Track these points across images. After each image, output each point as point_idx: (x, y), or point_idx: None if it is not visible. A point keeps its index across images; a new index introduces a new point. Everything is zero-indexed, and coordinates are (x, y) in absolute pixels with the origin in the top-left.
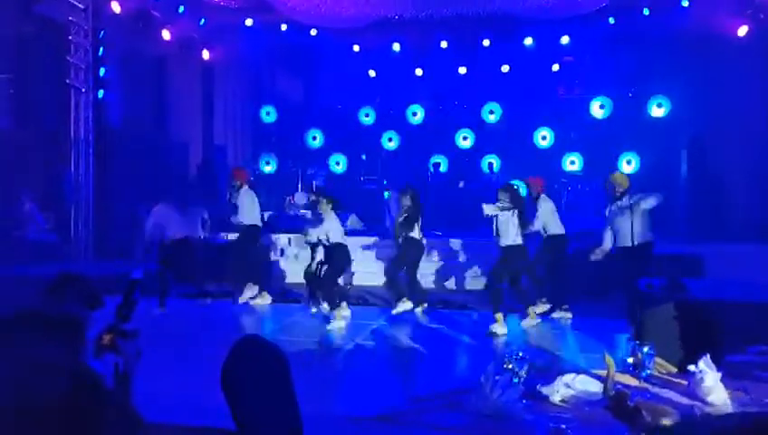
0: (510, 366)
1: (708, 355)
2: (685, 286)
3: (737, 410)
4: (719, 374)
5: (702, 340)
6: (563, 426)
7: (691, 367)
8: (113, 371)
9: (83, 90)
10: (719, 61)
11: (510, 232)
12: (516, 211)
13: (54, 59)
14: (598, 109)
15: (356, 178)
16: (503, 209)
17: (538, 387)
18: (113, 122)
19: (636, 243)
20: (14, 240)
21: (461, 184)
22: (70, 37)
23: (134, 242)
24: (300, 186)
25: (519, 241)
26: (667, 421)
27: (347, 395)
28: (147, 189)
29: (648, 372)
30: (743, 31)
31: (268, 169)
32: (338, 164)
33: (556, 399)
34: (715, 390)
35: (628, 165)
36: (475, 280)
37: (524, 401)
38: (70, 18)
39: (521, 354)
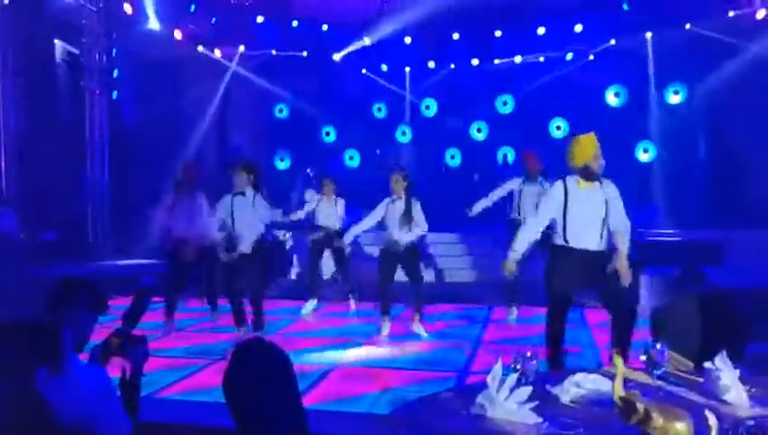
0: (518, 366)
1: (724, 352)
2: (704, 275)
3: (755, 407)
4: (737, 372)
5: (722, 332)
6: (573, 430)
7: (707, 364)
8: (121, 375)
9: (97, 92)
10: (737, 46)
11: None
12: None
13: (68, 62)
14: (613, 97)
15: (371, 171)
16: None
17: (547, 387)
18: (127, 123)
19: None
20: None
21: (476, 177)
22: (83, 40)
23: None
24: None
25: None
26: (679, 424)
27: (352, 393)
28: (162, 189)
29: (663, 369)
30: (761, 14)
31: (282, 165)
32: (351, 159)
33: (566, 399)
34: (731, 388)
35: (645, 153)
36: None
37: (533, 403)
38: (83, 21)
39: (529, 354)
